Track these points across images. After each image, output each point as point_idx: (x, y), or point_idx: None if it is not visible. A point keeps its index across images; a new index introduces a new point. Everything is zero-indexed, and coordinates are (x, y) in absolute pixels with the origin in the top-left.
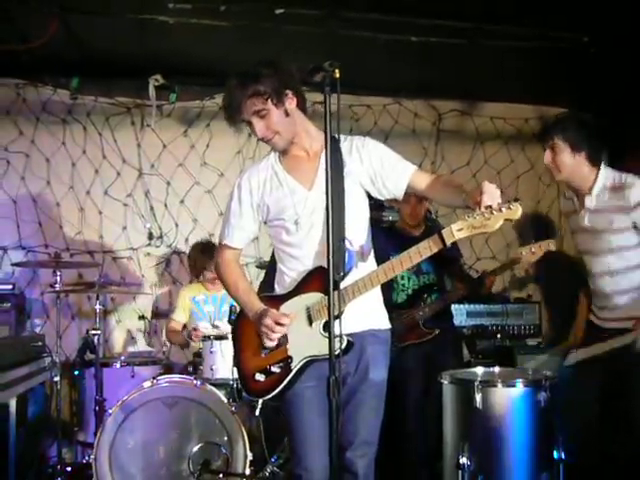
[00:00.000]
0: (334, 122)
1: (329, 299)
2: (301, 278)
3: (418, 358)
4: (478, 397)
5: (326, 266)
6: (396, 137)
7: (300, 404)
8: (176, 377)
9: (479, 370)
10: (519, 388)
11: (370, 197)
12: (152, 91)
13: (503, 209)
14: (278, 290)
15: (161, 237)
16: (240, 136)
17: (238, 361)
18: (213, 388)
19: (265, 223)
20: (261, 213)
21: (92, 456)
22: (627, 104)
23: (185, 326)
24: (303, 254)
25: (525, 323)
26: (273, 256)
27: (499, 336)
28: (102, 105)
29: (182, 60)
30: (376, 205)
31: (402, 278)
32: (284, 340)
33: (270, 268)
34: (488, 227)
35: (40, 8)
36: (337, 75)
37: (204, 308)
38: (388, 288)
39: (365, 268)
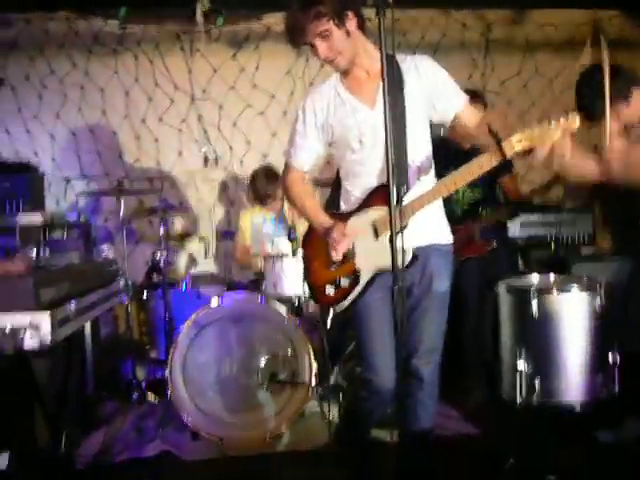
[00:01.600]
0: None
1: (390, 214)
2: (366, 195)
3: (476, 270)
4: (534, 303)
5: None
6: (444, 50)
7: (369, 313)
8: (241, 295)
9: (534, 278)
10: (574, 294)
11: None
12: (199, 16)
13: (562, 119)
14: (344, 207)
15: (216, 160)
16: (289, 56)
17: (309, 275)
18: (277, 303)
19: (330, 145)
20: (325, 134)
21: (167, 370)
22: None
23: (249, 247)
24: (367, 171)
25: (579, 231)
26: (338, 175)
27: (553, 246)
28: (151, 33)
29: None
30: None
31: (456, 192)
32: (352, 254)
33: (335, 187)
34: (547, 138)
35: None
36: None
37: (262, 229)
38: (443, 203)
39: (427, 183)
